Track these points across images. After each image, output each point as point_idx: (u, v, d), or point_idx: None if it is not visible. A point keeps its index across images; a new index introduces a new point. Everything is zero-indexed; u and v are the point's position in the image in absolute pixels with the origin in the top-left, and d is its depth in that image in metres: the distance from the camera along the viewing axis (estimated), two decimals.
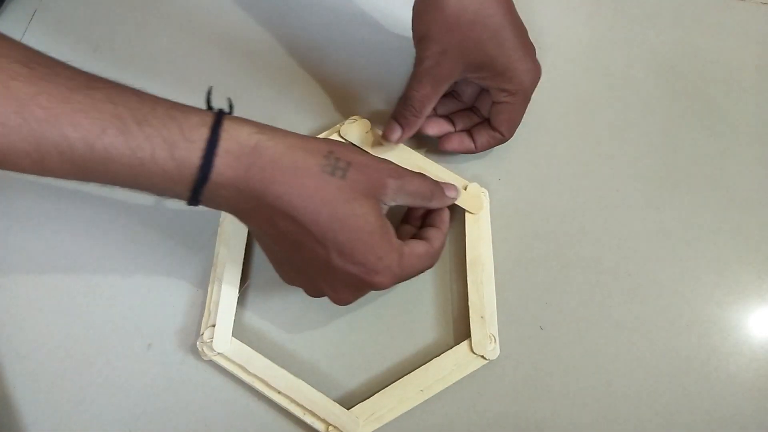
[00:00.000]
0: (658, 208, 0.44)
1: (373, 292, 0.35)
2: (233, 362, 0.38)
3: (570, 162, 0.45)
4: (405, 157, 0.43)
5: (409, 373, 0.38)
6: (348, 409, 0.37)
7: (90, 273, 0.42)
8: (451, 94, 0.44)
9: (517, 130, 0.43)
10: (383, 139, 0.42)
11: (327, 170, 0.31)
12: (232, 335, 0.39)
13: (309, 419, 0.37)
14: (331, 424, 0.37)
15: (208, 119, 0.30)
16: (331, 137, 0.44)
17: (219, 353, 0.38)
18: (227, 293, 0.39)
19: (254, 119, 0.32)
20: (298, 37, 0.50)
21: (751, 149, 0.46)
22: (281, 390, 0.37)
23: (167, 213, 0.44)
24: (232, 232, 0.41)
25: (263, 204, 0.31)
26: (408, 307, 0.41)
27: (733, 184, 0.45)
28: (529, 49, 0.40)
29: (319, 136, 0.44)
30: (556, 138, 0.46)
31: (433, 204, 0.38)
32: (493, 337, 0.39)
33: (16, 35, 0.44)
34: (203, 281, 0.41)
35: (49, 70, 0.27)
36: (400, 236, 0.34)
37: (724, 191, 0.44)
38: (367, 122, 0.44)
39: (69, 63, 0.29)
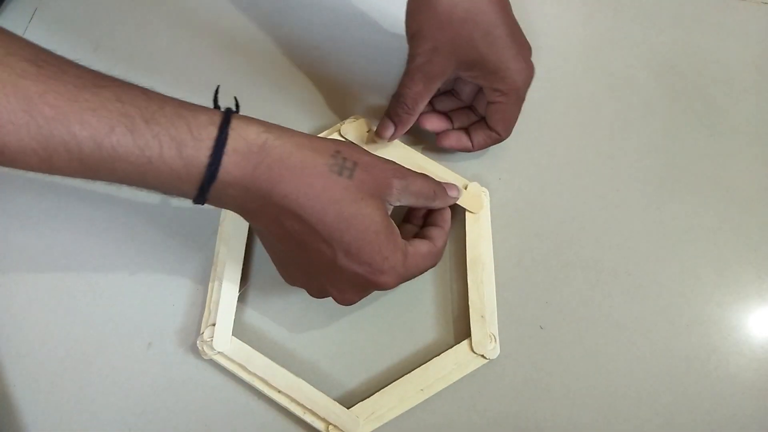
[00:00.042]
0: (658, 208, 0.44)
1: (375, 291, 0.35)
2: (233, 361, 0.38)
3: (570, 162, 0.45)
4: (406, 156, 0.43)
5: (410, 372, 0.38)
6: (348, 408, 0.37)
7: (90, 272, 0.42)
8: (450, 92, 0.44)
9: (518, 129, 0.43)
10: (377, 137, 0.42)
11: (334, 170, 0.31)
12: (233, 334, 0.39)
13: (309, 418, 0.37)
14: (331, 423, 0.37)
15: (216, 118, 0.30)
16: (331, 137, 0.44)
17: (219, 352, 0.38)
18: (227, 292, 0.39)
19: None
20: (299, 36, 0.50)
21: (751, 149, 0.46)
22: (281, 389, 0.37)
23: (167, 212, 0.44)
24: (232, 231, 0.41)
25: (270, 203, 0.31)
26: (408, 307, 0.41)
27: (733, 184, 0.45)
28: (522, 48, 0.39)
29: (318, 136, 0.44)
30: (556, 138, 0.46)
31: (436, 204, 0.38)
32: (493, 337, 0.39)
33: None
34: (203, 280, 0.41)
35: (56, 68, 0.27)
36: (403, 236, 0.35)
37: (724, 191, 0.44)
38: (367, 122, 0.44)
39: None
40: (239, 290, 0.40)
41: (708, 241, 0.43)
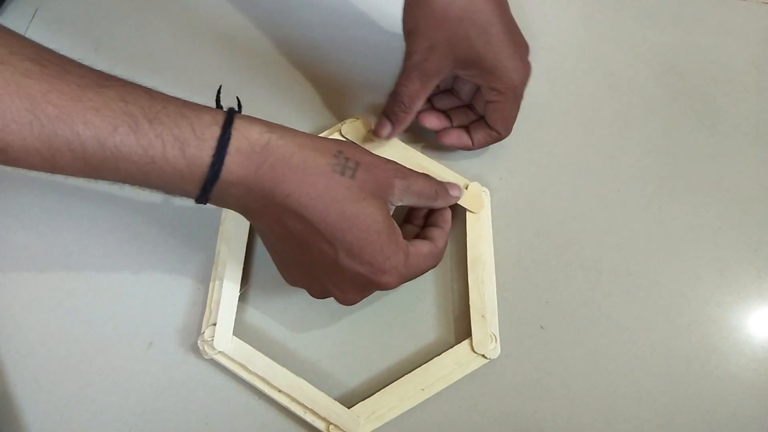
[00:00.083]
0: (658, 208, 0.44)
1: (376, 291, 0.35)
2: (234, 361, 0.38)
3: (570, 162, 0.45)
4: (407, 156, 0.43)
5: (410, 372, 0.38)
6: (349, 407, 0.37)
7: (91, 271, 0.42)
8: (449, 91, 0.45)
9: (518, 129, 0.43)
10: (374, 135, 0.42)
11: (337, 170, 0.31)
12: (233, 334, 0.39)
13: (310, 418, 0.37)
14: (331, 423, 0.37)
15: (220, 118, 0.30)
16: (331, 137, 0.44)
17: (220, 352, 0.38)
18: (228, 292, 0.39)
19: None
20: (299, 36, 0.50)
21: (751, 149, 0.46)
22: (282, 389, 0.37)
23: (168, 212, 0.44)
24: (233, 230, 0.41)
25: (272, 203, 0.31)
26: (409, 307, 0.41)
27: (733, 184, 0.45)
28: (518, 46, 0.39)
29: (320, 136, 0.44)
30: (557, 138, 0.46)
31: (438, 204, 0.38)
32: (493, 336, 0.39)
33: None
34: (204, 280, 0.41)
35: (60, 67, 0.27)
36: (404, 236, 0.35)
37: (724, 191, 0.44)
38: (367, 122, 0.44)
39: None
40: (240, 290, 0.40)
41: (708, 241, 0.43)
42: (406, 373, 0.38)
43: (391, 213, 0.34)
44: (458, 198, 0.40)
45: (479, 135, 0.42)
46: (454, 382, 0.38)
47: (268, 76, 0.48)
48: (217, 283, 0.40)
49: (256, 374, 0.38)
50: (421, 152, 0.44)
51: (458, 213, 0.42)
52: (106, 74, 0.29)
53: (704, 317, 0.41)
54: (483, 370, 0.39)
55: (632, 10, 0.51)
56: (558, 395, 0.39)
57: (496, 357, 0.39)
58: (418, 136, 0.45)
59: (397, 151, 0.43)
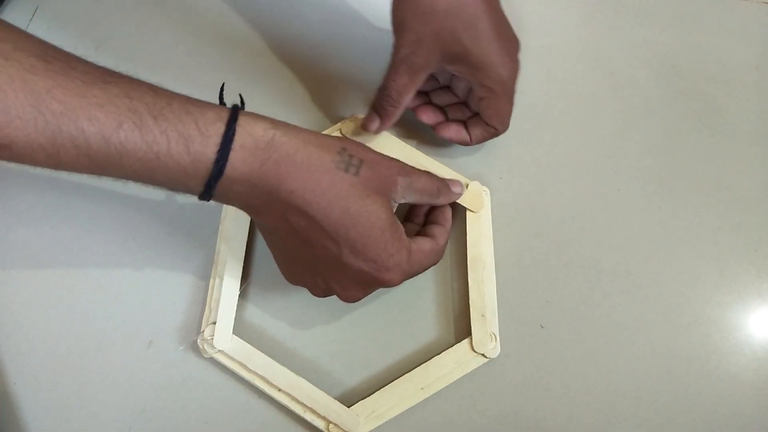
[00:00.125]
0: (658, 208, 0.44)
1: (377, 289, 0.35)
2: (234, 359, 0.38)
3: (571, 161, 0.45)
4: (408, 156, 0.43)
5: (410, 371, 0.38)
6: (348, 406, 0.37)
7: (91, 269, 0.42)
8: (447, 87, 0.44)
9: (518, 129, 0.43)
10: (362, 129, 0.42)
11: (340, 167, 0.31)
12: (233, 332, 0.39)
13: (309, 417, 0.37)
14: (331, 422, 0.37)
15: (224, 114, 0.30)
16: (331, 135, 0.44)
17: (219, 350, 0.38)
18: (228, 290, 0.39)
19: None
20: (299, 35, 0.50)
21: (751, 149, 0.46)
22: (282, 387, 0.37)
23: (168, 210, 0.44)
24: (233, 229, 0.41)
25: (276, 199, 0.31)
26: (409, 305, 0.41)
27: (733, 184, 0.45)
28: (507, 42, 0.39)
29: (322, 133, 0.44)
30: (557, 137, 0.46)
31: (440, 201, 0.38)
32: (493, 336, 0.39)
33: None
34: (204, 278, 0.41)
35: (65, 63, 0.27)
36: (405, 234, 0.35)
37: (725, 191, 0.44)
38: None
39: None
40: (240, 288, 0.40)
41: (708, 241, 0.43)
42: (406, 372, 0.38)
43: (394, 210, 0.34)
44: (460, 195, 0.40)
45: (477, 130, 0.42)
46: (454, 381, 0.38)
47: (268, 74, 0.48)
48: (216, 281, 0.40)
49: (255, 373, 0.38)
50: (422, 151, 0.44)
51: (458, 212, 0.42)
52: (111, 71, 0.29)
53: (704, 317, 0.41)
54: (483, 369, 0.39)
55: (632, 10, 0.52)
56: (558, 395, 0.39)
57: (495, 356, 0.39)
58: (411, 131, 0.45)
59: (398, 150, 0.43)
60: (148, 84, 0.29)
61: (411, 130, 0.45)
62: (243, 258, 0.41)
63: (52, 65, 0.27)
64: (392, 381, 0.38)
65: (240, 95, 0.34)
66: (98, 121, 0.27)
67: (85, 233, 0.43)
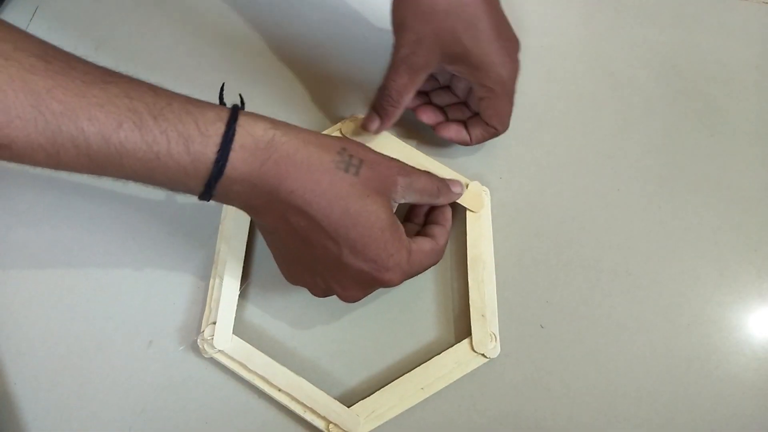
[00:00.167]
0: (658, 208, 0.44)
1: (377, 289, 0.35)
2: (234, 359, 0.38)
3: (571, 161, 0.45)
4: (408, 156, 0.43)
5: (410, 371, 0.38)
6: (348, 406, 0.37)
7: (90, 269, 0.42)
8: (447, 87, 0.44)
9: (518, 129, 0.43)
10: (362, 129, 0.42)
11: (341, 167, 0.31)
12: (233, 332, 0.39)
13: (309, 417, 0.37)
14: (331, 422, 0.37)
15: (224, 114, 0.30)
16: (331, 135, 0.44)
17: (219, 350, 0.38)
18: (228, 290, 0.39)
19: None
20: (299, 34, 0.50)
21: (751, 149, 0.46)
22: (282, 387, 0.37)
23: (168, 210, 0.44)
24: (233, 229, 0.41)
25: (276, 199, 0.31)
26: (409, 305, 0.41)
27: (733, 184, 0.45)
28: (507, 42, 0.39)
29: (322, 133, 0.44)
30: (557, 137, 0.46)
31: (440, 200, 0.38)
32: (493, 336, 0.39)
33: None
34: (204, 278, 0.41)
35: (65, 63, 0.27)
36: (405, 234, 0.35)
37: (725, 191, 0.44)
38: None
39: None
40: (240, 288, 0.40)
41: (708, 241, 0.43)
42: (406, 372, 0.38)
43: (394, 210, 0.34)
44: (460, 195, 0.40)
45: (477, 130, 0.42)
46: (454, 381, 0.38)
47: (268, 74, 0.48)
48: (216, 281, 0.40)
49: (255, 373, 0.38)
50: (422, 151, 0.44)
51: (458, 212, 0.42)
52: (111, 70, 0.29)
53: (704, 317, 0.41)
54: (483, 369, 0.39)
55: (632, 10, 0.52)
56: (558, 394, 0.39)
57: (495, 356, 0.39)
58: (411, 131, 0.45)
59: (398, 150, 0.43)
60: (148, 84, 0.29)
61: (411, 130, 0.46)
62: (243, 258, 0.41)
63: (52, 65, 0.27)
64: (392, 381, 0.38)
65: (240, 95, 0.34)
66: (98, 121, 0.27)
67: (85, 233, 0.43)
